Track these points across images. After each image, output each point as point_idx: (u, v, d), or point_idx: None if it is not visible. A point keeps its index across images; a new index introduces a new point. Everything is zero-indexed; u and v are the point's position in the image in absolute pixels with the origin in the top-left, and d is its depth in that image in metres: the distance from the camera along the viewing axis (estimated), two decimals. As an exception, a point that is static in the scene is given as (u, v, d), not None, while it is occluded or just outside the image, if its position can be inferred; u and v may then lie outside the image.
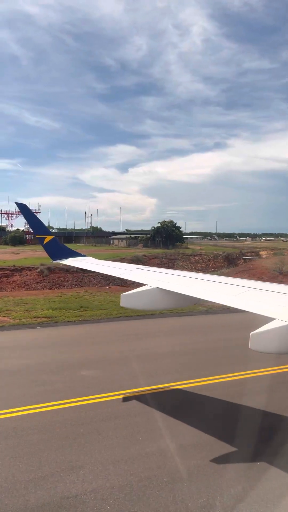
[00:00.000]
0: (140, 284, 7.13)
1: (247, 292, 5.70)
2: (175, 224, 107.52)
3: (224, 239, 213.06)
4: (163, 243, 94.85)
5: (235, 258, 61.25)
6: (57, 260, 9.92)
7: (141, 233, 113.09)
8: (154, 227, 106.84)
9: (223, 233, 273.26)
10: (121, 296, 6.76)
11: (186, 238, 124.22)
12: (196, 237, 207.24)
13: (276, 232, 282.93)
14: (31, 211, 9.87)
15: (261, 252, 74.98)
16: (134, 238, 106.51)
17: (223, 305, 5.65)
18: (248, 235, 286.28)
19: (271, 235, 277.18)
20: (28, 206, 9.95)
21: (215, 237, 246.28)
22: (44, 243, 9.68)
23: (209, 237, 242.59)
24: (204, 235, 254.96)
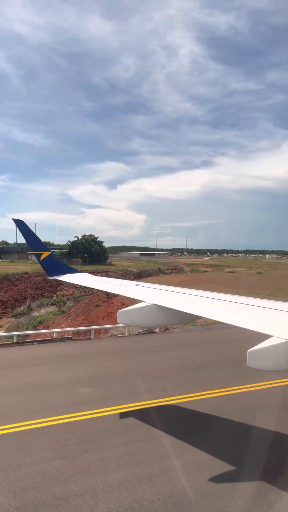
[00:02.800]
0: (137, 301, 7.11)
1: (245, 309, 5.71)
2: (96, 238, 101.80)
3: (192, 255, 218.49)
4: (83, 258, 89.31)
5: (151, 274, 60.23)
6: (53, 277, 9.89)
7: (57, 248, 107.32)
8: (70, 242, 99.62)
9: (195, 249, 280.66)
10: (118, 313, 6.73)
11: (109, 253, 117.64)
12: (164, 253, 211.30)
13: (259, 249, 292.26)
14: (28, 228, 9.90)
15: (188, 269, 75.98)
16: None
17: (220, 322, 5.64)
18: (230, 251, 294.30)
19: (253, 251, 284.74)
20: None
21: (185, 253, 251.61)
22: (41, 259, 9.67)
23: (179, 253, 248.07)
24: (174, 251, 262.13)
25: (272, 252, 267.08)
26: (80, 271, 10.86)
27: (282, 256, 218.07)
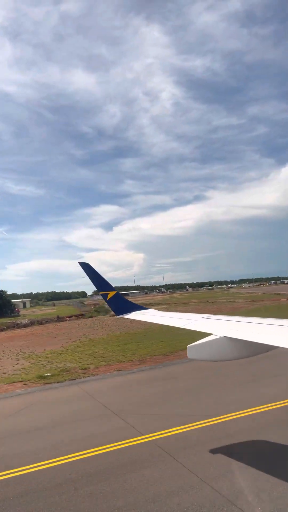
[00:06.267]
0: (206, 334, 6.89)
1: None
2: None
3: (169, 291, 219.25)
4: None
5: (43, 322, 51.26)
6: (121, 315, 9.98)
7: None
8: None
9: (173, 284, 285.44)
10: (187, 348, 6.52)
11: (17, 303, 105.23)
12: (139, 292, 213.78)
13: (255, 277, 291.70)
14: (94, 269, 10.26)
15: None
16: None
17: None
18: (225, 282, 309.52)
19: (245, 281, 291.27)
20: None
21: (162, 289, 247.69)
22: (108, 299, 9.86)
23: (156, 290, 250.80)
24: (166, 287, 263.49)
25: (267, 279, 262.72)
26: (147, 308, 10.88)
27: (261, 284, 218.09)
